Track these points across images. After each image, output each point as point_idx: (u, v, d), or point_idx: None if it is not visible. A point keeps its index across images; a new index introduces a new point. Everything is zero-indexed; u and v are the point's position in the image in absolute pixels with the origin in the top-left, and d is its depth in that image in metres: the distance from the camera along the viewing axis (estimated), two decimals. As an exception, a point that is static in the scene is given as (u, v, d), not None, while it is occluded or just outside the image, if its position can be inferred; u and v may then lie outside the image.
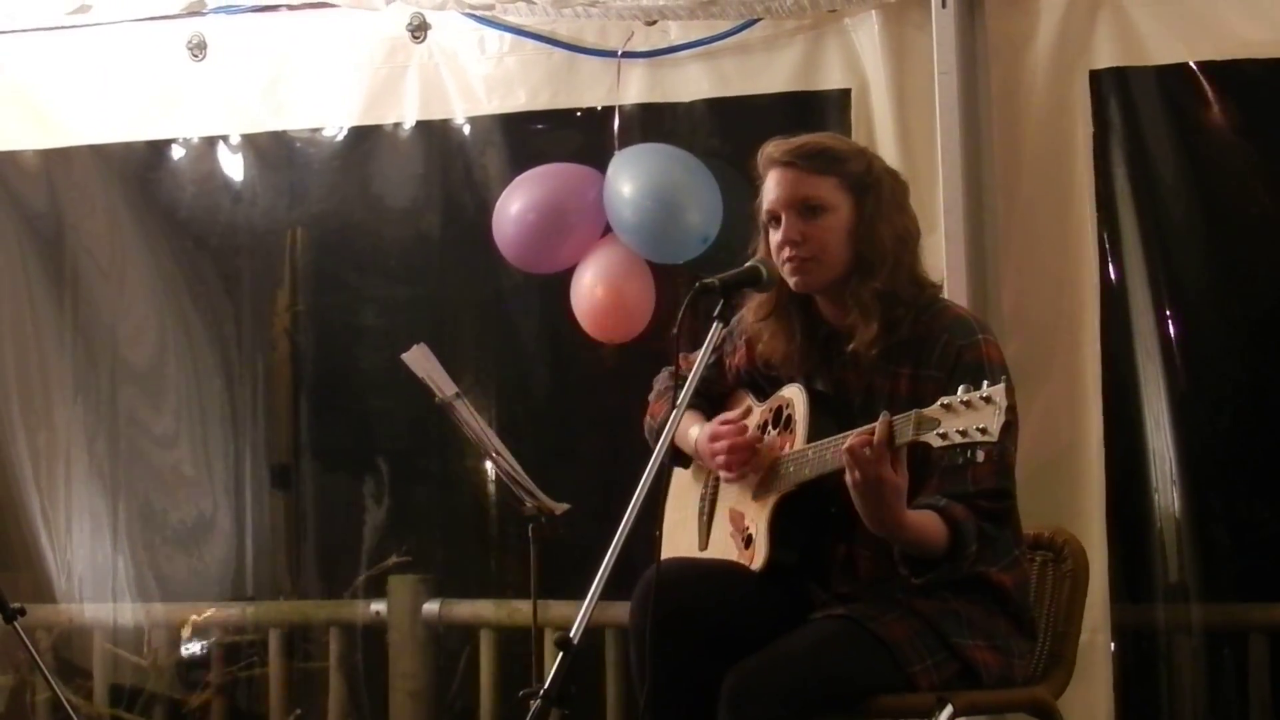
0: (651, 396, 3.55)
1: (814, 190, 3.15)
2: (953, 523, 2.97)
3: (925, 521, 2.96)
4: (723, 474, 3.29)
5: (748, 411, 3.33)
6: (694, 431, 3.35)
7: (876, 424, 2.87)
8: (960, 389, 2.77)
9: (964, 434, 2.74)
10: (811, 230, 3.14)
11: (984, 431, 2.72)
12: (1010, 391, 2.77)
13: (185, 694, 5.10)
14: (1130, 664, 4.08)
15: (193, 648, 5.07)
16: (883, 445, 2.85)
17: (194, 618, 5.05)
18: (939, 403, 2.80)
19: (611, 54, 4.42)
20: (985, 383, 2.76)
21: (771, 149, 3.20)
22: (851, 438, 2.89)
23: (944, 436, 2.77)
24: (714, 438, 3.26)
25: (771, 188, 3.19)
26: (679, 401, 2.95)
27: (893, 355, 3.12)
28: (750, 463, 3.22)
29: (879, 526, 2.93)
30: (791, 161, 3.16)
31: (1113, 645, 3.95)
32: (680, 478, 3.49)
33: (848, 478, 2.89)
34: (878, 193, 3.16)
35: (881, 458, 2.85)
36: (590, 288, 4.42)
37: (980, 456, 2.78)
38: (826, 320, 3.22)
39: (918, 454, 2.93)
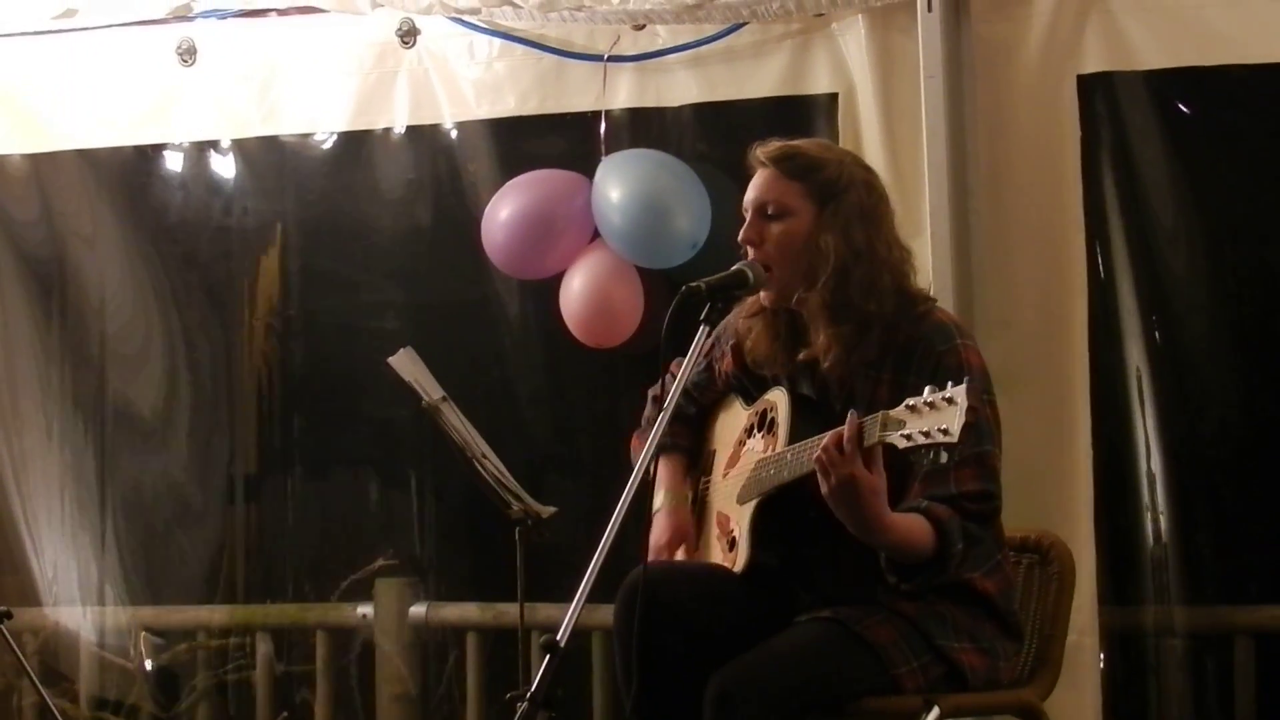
0: (644, 417, 3.54)
1: (776, 195, 3.16)
2: (937, 522, 2.95)
3: (909, 523, 2.95)
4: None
5: (740, 443, 3.31)
6: (659, 499, 3.38)
7: (845, 425, 2.87)
8: (926, 390, 2.77)
9: (926, 435, 2.73)
10: (768, 233, 3.15)
11: (945, 432, 2.71)
12: (975, 394, 2.76)
13: (172, 697, 5.10)
14: (1117, 666, 4.09)
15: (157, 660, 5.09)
16: (853, 444, 2.84)
17: (144, 633, 5.06)
18: (904, 404, 2.80)
19: (600, 58, 4.43)
20: (950, 384, 2.76)
21: (757, 149, 3.22)
22: (825, 439, 2.88)
23: (909, 438, 2.76)
24: (669, 547, 3.32)
25: (749, 187, 3.21)
26: (656, 428, 2.94)
27: (874, 362, 3.12)
28: None
29: (860, 529, 2.91)
30: (765, 163, 3.19)
31: (1100, 648, 3.95)
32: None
33: (821, 487, 2.88)
34: (838, 203, 3.14)
35: (852, 457, 2.84)
36: (579, 293, 4.42)
37: (944, 458, 2.77)
38: (805, 325, 3.23)
39: (897, 461, 2.93)
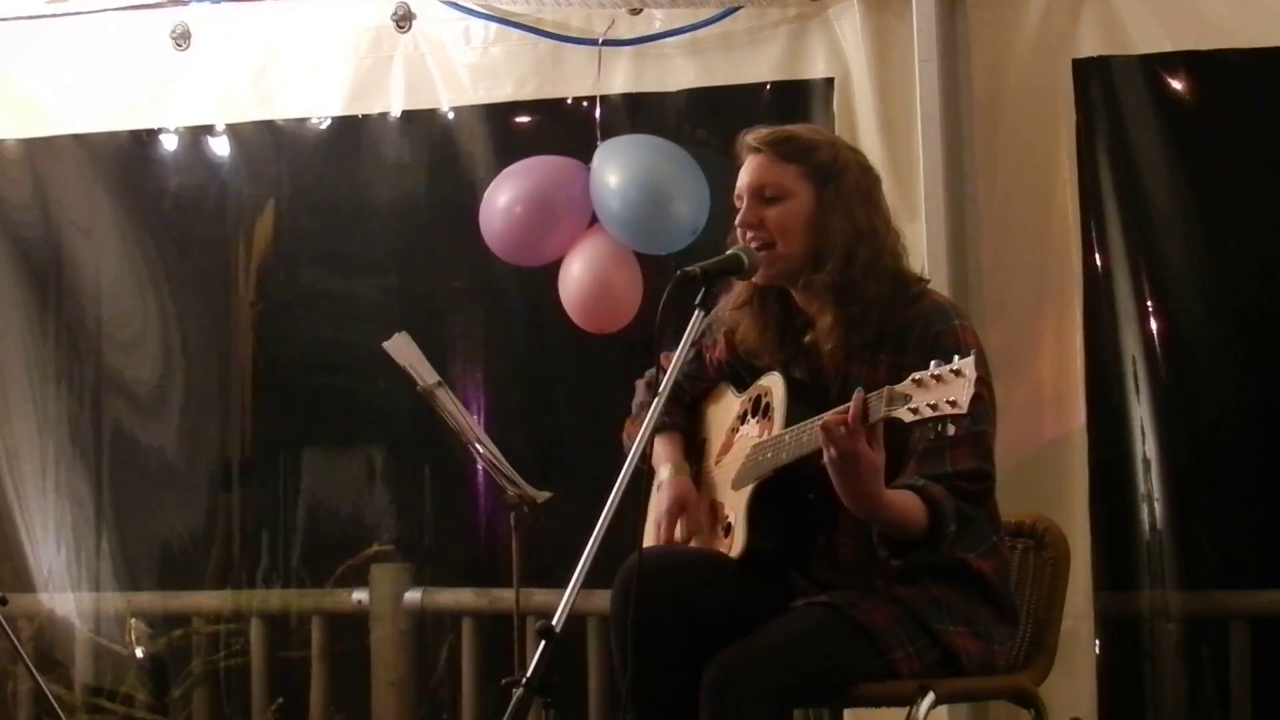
0: (634, 404, 3.55)
1: (775, 177, 3.16)
2: (931, 502, 2.96)
3: (904, 501, 2.96)
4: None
5: (733, 430, 3.31)
6: (663, 472, 3.37)
7: (851, 401, 2.87)
8: (933, 363, 2.78)
9: (934, 407, 2.74)
10: (767, 215, 3.15)
11: (954, 404, 2.72)
12: (982, 367, 2.76)
13: (167, 683, 5.10)
14: (1113, 651, 4.09)
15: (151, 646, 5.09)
16: (857, 420, 2.84)
17: (133, 619, 5.06)
18: (910, 378, 2.80)
19: (596, 43, 4.42)
20: (956, 357, 2.76)
21: (746, 135, 3.22)
22: (827, 416, 2.89)
23: (915, 411, 2.76)
24: (669, 514, 3.30)
25: (741, 173, 3.21)
26: (652, 410, 2.94)
27: (871, 344, 3.13)
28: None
29: (857, 505, 2.92)
30: (758, 148, 3.19)
31: (1096, 633, 3.96)
32: (666, 473, 3.50)
33: (824, 456, 2.89)
34: (839, 184, 3.15)
35: (856, 433, 2.84)
36: (578, 279, 4.41)
37: (951, 430, 2.77)
38: (800, 309, 3.23)
39: (895, 438, 2.93)
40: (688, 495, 3.34)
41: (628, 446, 3.44)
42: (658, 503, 3.35)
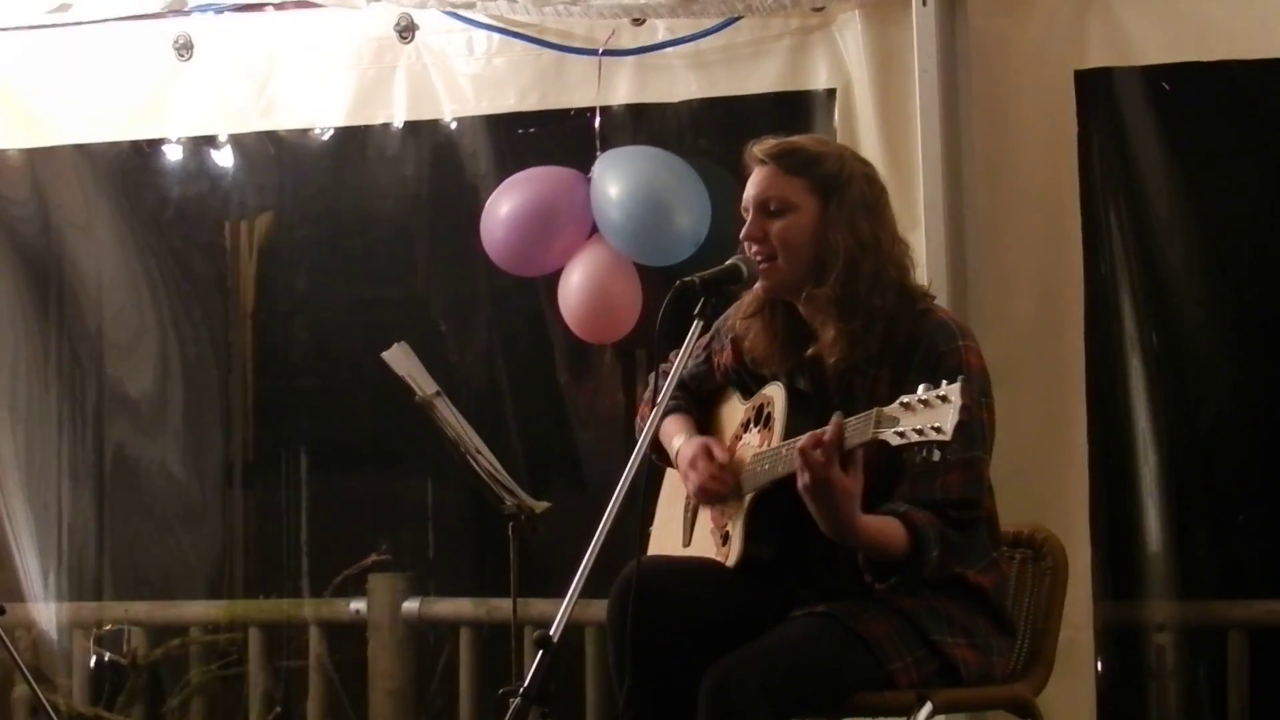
0: (645, 396, 3.55)
1: (779, 190, 3.14)
2: (914, 528, 2.95)
3: (883, 526, 2.94)
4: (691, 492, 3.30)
5: (737, 438, 3.31)
6: (677, 442, 3.34)
7: (829, 425, 2.86)
8: (920, 388, 2.76)
9: (920, 432, 2.73)
10: (771, 229, 3.13)
11: (938, 430, 2.71)
12: (969, 395, 2.75)
13: (165, 692, 5.11)
14: (1112, 661, 4.09)
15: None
16: (832, 446, 2.83)
17: (94, 630, 5.07)
18: (898, 401, 2.79)
19: (597, 53, 4.43)
20: (945, 382, 2.75)
21: (753, 147, 3.20)
22: (803, 440, 2.88)
23: (901, 435, 2.76)
24: (692, 464, 3.25)
25: (747, 185, 3.20)
26: (658, 403, 2.94)
27: (874, 358, 3.11)
28: (719, 494, 3.22)
29: (832, 530, 2.91)
30: (764, 160, 3.17)
31: (1095, 643, 3.95)
32: (672, 477, 3.49)
33: (798, 481, 2.88)
34: (843, 196, 3.13)
35: (830, 460, 2.83)
36: (578, 289, 4.41)
37: (937, 456, 2.76)
38: (805, 320, 3.22)
39: (889, 460, 2.92)
40: (708, 441, 3.29)
41: (640, 429, 3.44)
42: (683, 458, 3.28)
